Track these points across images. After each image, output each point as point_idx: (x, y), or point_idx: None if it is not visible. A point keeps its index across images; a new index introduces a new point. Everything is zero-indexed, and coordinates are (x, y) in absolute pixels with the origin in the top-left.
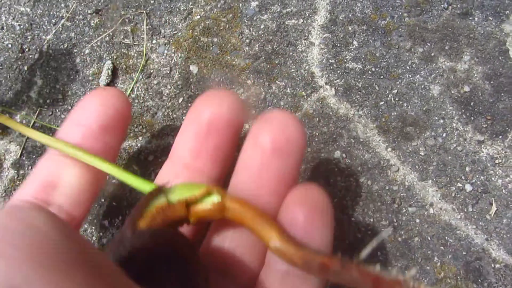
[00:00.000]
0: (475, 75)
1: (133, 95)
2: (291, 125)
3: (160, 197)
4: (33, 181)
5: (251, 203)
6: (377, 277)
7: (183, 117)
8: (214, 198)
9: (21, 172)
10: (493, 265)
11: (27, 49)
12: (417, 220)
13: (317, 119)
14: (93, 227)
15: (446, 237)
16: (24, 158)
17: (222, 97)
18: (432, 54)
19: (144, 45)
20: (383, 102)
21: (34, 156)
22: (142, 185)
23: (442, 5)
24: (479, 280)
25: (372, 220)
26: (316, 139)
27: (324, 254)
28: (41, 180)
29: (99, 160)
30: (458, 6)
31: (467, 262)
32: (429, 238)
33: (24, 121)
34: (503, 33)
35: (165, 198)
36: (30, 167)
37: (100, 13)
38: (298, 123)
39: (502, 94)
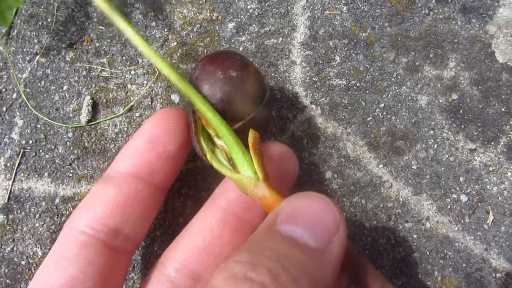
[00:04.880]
0: (462, 81)
1: (116, 130)
2: (286, 158)
3: None
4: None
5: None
6: None
7: None
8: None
9: (11, 216)
10: (494, 275)
11: (4, 89)
12: (415, 236)
13: (305, 140)
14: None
15: (445, 250)
16: (12, 202)
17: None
18: (417, 63)
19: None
20: (370, 118)
21: (22, 200)
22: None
23: (423, 11)
24: None
25: (369, 239)
26: (306, 161)
27: None
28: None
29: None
30: (440, 11)
31: (468, 273)
32: (427, 253)
33: (8, 164)
34: (488, 35)
35: None
36: (19, 211)
37: (74, 46)
38: (293, 157)
39: (491, 99)
